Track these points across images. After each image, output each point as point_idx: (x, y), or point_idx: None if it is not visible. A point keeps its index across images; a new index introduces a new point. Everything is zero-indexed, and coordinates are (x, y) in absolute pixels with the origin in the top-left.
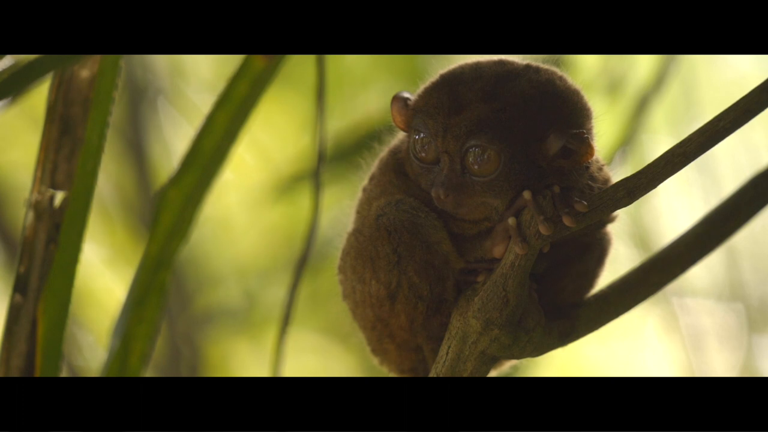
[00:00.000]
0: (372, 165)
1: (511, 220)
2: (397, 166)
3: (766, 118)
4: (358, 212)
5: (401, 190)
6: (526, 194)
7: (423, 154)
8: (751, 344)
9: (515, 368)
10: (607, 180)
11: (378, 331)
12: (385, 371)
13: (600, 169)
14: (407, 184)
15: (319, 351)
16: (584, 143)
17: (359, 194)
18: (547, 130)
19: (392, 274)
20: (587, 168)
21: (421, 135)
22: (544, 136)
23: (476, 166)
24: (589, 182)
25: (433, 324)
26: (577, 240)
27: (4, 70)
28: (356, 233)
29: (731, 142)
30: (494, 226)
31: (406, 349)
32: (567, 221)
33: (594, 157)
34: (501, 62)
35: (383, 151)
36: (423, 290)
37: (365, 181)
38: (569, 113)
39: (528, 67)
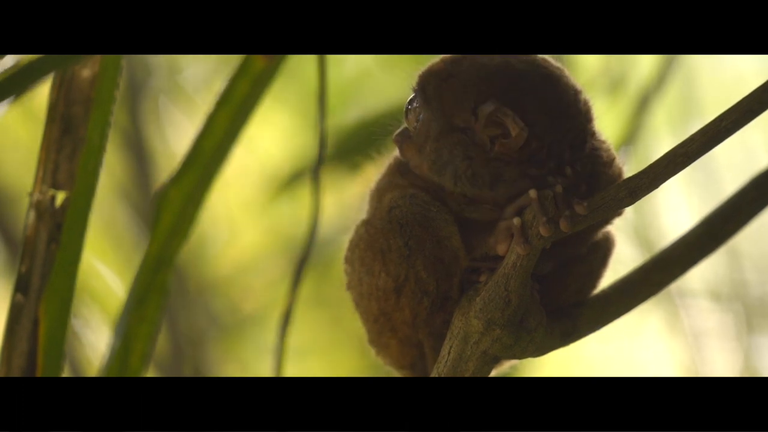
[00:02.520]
0: (381, 166)
1: (516, 220)
2: (400, 166)
3: (766, 119)
4: (369, 204)
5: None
6: (532, 193)
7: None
8: (751, 344)
9: (516, 368)
10: (619, 174)
11: (380, 324)
12: (381, 364)
13: (610, 163)
14: (411, 181)
15: (319, 350)
16: (514, 121)
17: (371, 188)
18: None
19: (401, 267)
20: (594, 162)
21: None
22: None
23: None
24: (597, 169)
25: (436, 321)
26: (581, 239)
27: (6, 70)
28: (367, 225)
29: (732, 142)
30: (497, 222)
31: (407, 344)
32: (564, 225)
33: (606, 151)
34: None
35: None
36: (429, 285)
37: (375, 179)
38: (526, 96)
39: (529, 57)
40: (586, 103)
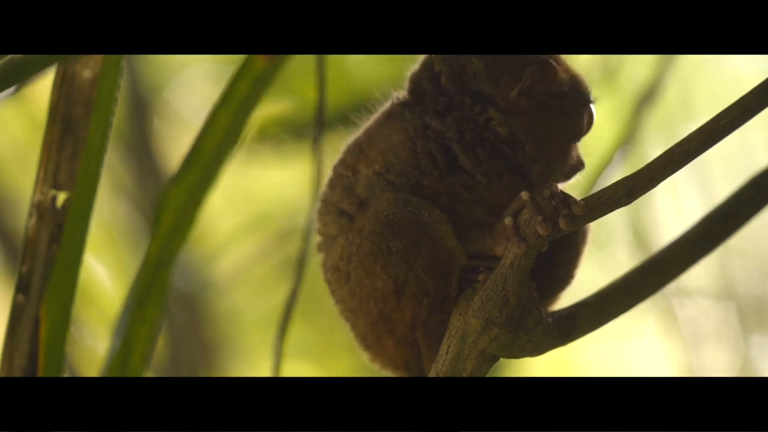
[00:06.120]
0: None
1: (507, 221)
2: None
3: (764, 119)
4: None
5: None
6: (524, 195)
7: None
8: (749, 344)
9: (515, 368)
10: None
11: (379, 327)
12: (376, 366)
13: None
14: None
15: (319, 350)
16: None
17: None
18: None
19: (400, 270)
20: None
21: None
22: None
23: None
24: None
25: (434, 320)
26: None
27: (1, 65)
28: (360, 231)
29: (729, 141)
30: (494, 224)
31: (404, 343)
32: (563, 223)
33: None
34: None
35: None
36: (429, 286)
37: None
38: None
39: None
40: None
